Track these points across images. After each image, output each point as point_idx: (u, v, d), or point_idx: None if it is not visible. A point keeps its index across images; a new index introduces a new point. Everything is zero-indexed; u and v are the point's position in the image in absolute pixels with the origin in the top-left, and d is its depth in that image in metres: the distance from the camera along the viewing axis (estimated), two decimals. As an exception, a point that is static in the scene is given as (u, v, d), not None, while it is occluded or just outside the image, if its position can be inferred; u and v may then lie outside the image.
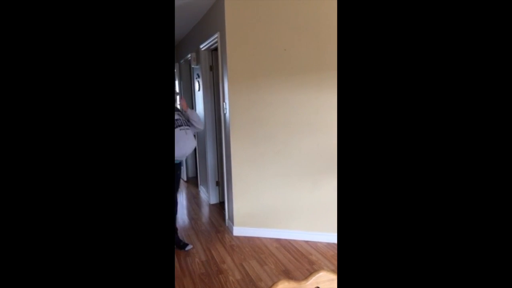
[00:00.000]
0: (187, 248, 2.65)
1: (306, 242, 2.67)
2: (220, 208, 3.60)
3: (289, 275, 2.23)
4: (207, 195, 3.87)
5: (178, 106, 2.88)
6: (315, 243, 2.65)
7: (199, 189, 4.37)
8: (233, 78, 2.69)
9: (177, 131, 2.49)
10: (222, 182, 3.50)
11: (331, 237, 2.65)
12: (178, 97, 2.54)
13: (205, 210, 3.61)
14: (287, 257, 2.47)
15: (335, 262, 2.37)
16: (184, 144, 2.50)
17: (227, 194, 3.08)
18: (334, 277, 0.85)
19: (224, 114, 2.94)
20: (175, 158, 2.52)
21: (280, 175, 2.70)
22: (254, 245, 2.68)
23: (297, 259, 2.42)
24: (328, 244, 2.63)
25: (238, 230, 2.88)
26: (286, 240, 2.73)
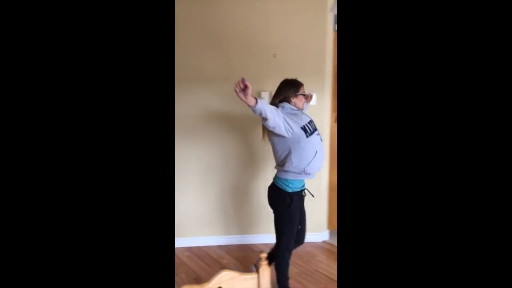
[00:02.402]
0: None
1: (219, 246, 2.66)
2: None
3: (200, 282, 2.19)
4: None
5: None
6: (227, 246, 2.66)
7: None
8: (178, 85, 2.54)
9: (313, 137, 1.73)
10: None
11: (242, 239, 2.70)
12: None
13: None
14: (199, 264, 2.43)
15: (246, 263, 2.42)
16: (321, 155, 1.77)
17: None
18: (235, 275, 0.87)
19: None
20: (310, 174, 1.76)
21: (190, 183, 2.64)
22: (164, 256, 2.56)
23: (209, 265, 2.40)
24: (239, 246, 2.67)
25: (146, 243, 2.71)
26: (197, 247, 2.67)
